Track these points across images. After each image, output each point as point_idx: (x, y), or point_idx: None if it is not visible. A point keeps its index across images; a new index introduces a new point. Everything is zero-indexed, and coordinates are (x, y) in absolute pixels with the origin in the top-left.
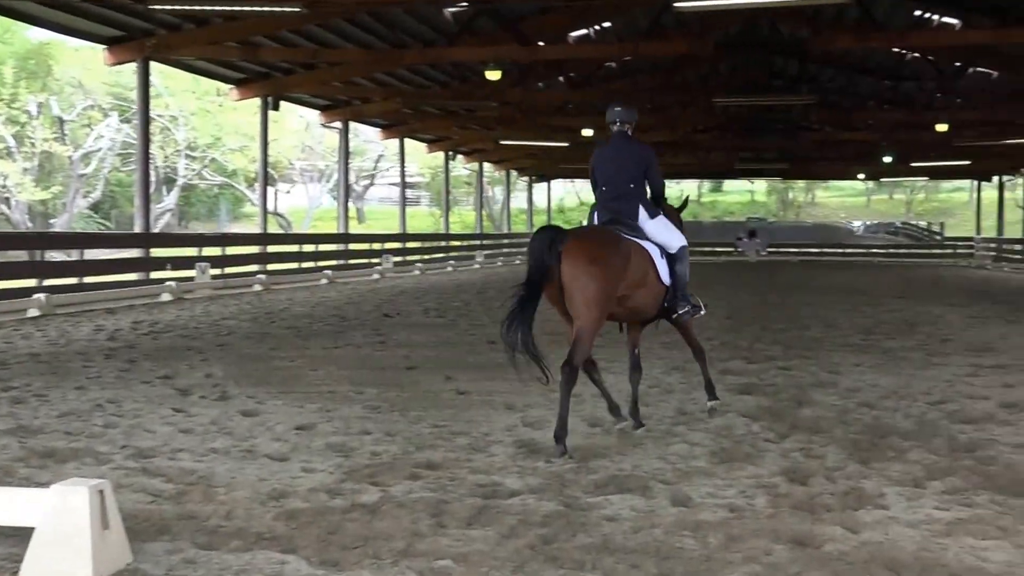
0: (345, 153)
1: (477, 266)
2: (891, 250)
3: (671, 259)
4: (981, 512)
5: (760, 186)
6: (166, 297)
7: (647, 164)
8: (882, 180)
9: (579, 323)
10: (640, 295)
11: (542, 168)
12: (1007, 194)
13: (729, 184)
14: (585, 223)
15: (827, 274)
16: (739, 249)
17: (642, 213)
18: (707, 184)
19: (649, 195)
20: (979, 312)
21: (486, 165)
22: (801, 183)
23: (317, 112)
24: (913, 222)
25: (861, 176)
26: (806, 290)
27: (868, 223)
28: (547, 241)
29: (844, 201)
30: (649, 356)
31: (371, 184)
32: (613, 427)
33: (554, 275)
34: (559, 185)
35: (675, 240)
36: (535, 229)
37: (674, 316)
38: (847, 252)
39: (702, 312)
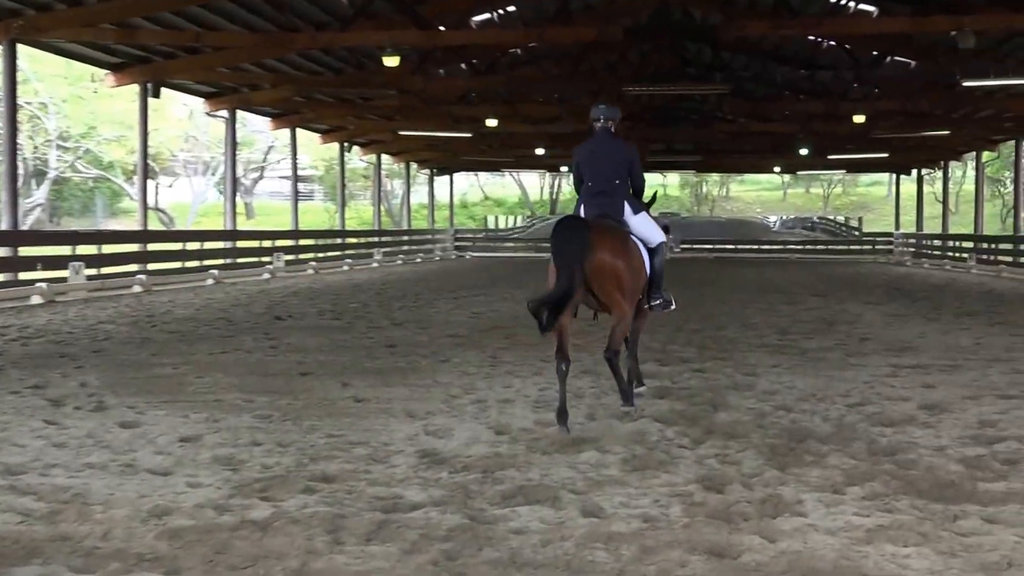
0: (232, 144)
1: (376, 265)
2: (808, 246)
3: (650, 253)
4: (902, 518)
5: (673, 180)
6: (36, 300)
7: (631, 161)
8: (799, 173)
9: (618, 312)
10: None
11: (444, 161)
12: (926, 188)
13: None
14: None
15: (743, 271)
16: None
17: (627, 209)
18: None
19: (631, 191)
20: (898, 310)
21: (384, 157)
22: (715, 176)
23: (201, 100)
24: (831, 217)
25: (777, 169)
26: (721, 288)
27: (785, 218)
28: (577, 243)
29: (760, 195)
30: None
31: (260, 177)
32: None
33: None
34: (462, 179)
35: (655, 236)
36: (557, 221)
37: (647, 307)
38: (763, 248)
39: (672, 307)
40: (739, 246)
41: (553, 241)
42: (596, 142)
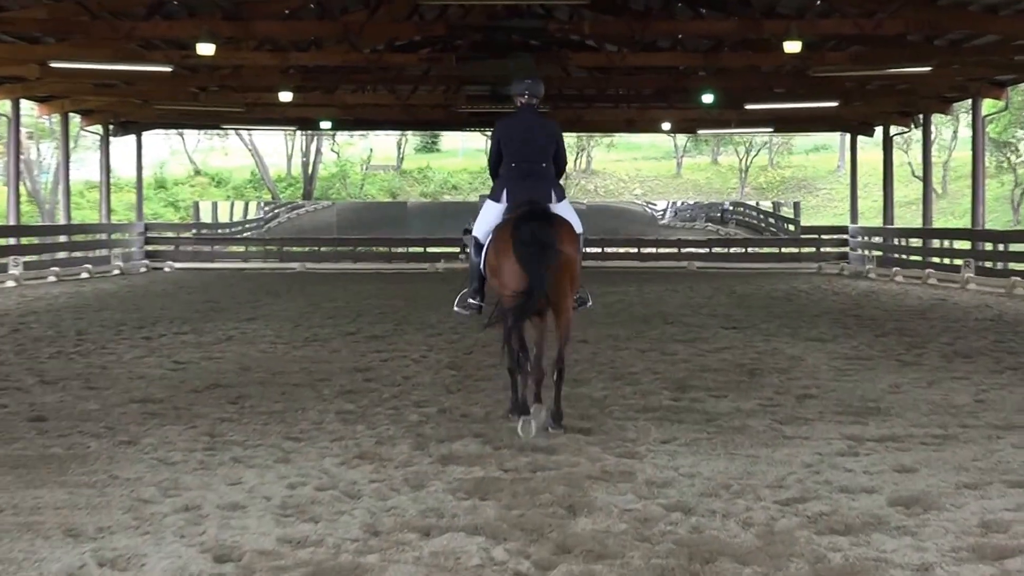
0: None
1: (11, 284)
2: (717, 248)
3: None
4: None
5: None
6: None
7: (557, 141)
8: (700, 134)
9: (566, 314)
10: None
11: (127, 112)
12: (898, 157)
13: (451, 140)
14: (491, 201)
15: (614, 289)
16: (465, 252)
17: (553, 195)
18: (413, 140)
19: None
20: (857, 350)
21: (26, 104)
22: (569, 138)
23: None
24: (751, 203)
25: (666, 127)
26: (579, 316)
27: (680, 204)
28: (548, 239)
29: (640, 168)
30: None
31: None
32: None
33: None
34: (157, 142)
35: (577, 226)
36: (511, 214)
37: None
38: (646, 252)
39: (589, 304)
40: (607, 249)
41: (516, 236)
42: (521, 120)
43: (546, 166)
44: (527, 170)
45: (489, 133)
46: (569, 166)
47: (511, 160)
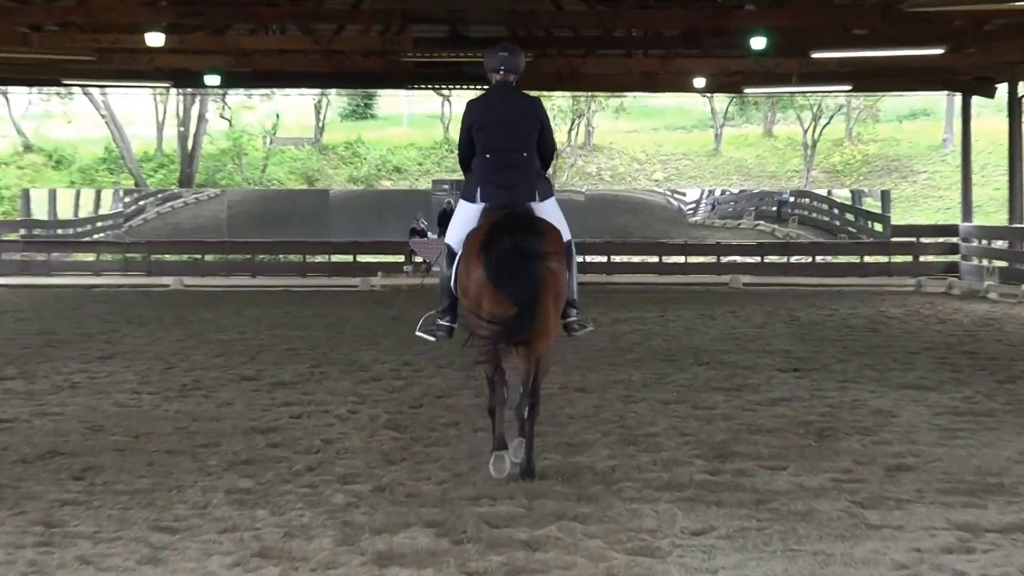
0: None
1: None
2: (771, 257)
3: None
4: None
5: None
6: None
7: (541, 125)
8: (748, 95)
9: (545, 340)
10: None
11: None
12: None
13: (391, 102)
14: (465, 202)
15: (627, 314)
16: (412, 262)
17: (536, 193)
18: (338, 102)
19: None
20: (971, 403)
21: None
22: (559, 100)
23: None
24: (820, 192)
25: (700, 84)
26: (578, 352)
27: (719, 195)
28: (524, 252)
29: (661, 143)
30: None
31: None
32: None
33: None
34: None
35: (565, 232)
36: (484, 219)
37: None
38: (671, 263)
39: (589, 329)
40: (615, 258)
41: (490, 247)
42: (495, 100)
43: (528, 156)
44: (505, 161)
45: (446, 93)
46: (562, 139)
47: (485, 150)
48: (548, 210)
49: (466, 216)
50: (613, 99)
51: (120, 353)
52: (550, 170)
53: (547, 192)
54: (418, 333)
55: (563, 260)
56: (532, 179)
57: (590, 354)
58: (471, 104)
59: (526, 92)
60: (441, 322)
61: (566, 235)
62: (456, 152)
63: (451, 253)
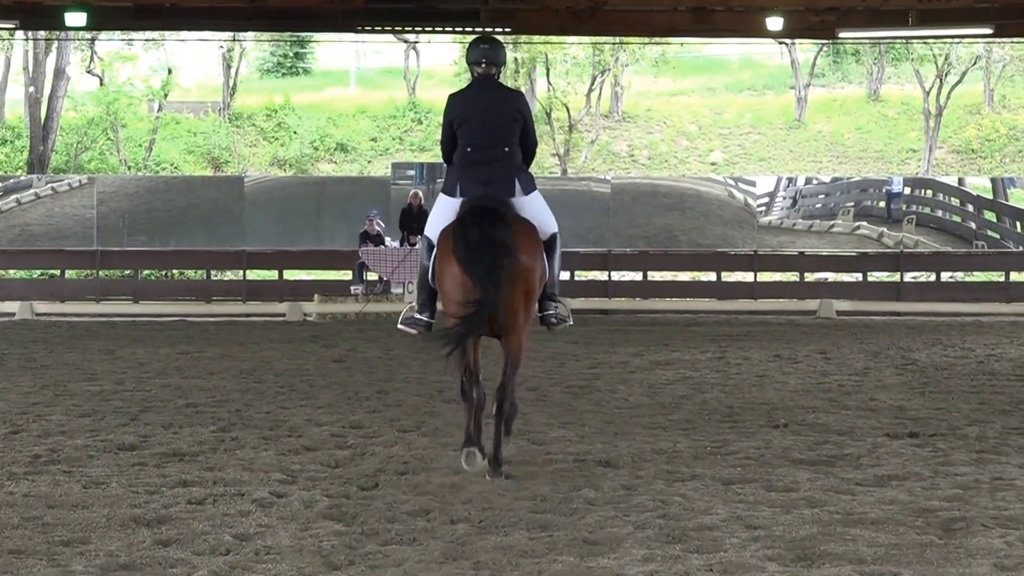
0: None
1: None
2: (878, 274)
3: (545, 247)
4: None
5: (445, 61)
6: None
7: (524, 119)
8: (843, 40)
9: (515, 336)
10: None
11: None
12: None
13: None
14: (445, 196)
15: (671, 355)
16: (363, 281)
17: (517, 187)
18: (257, 51)
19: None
20: None
21: None
22: (578, 49)
23: None
24: (947, 180)
25: (775, 26)
26: (595, 419)
27: (803, 184)
28: (491, 241)
29: (719, 111)
30: None
31: None
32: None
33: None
34: None
35: (550, 223)
36: (465, 211)
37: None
38: (734, 283)
39: (569, 323)
40: (652, 275)
41: (460, 235)
42: (477, 93)
43: (509, 150)
44: (486, 156)
45: (411, 39)
46: (578, 105)
47: (467, 144)
48: (532, 204)
49: (445, 210)
50: (651, 48)
51: None
52: (532, 166)
53: (530, 186)
54: (400, 326)
55: (535, 255)
56: (513, 173)
57: (619, 412)
58: (453, 97)
59: (507, 86)
60: (419, 316)
61: (551, 228)
62: (439, 147)
63: (430, 245)
